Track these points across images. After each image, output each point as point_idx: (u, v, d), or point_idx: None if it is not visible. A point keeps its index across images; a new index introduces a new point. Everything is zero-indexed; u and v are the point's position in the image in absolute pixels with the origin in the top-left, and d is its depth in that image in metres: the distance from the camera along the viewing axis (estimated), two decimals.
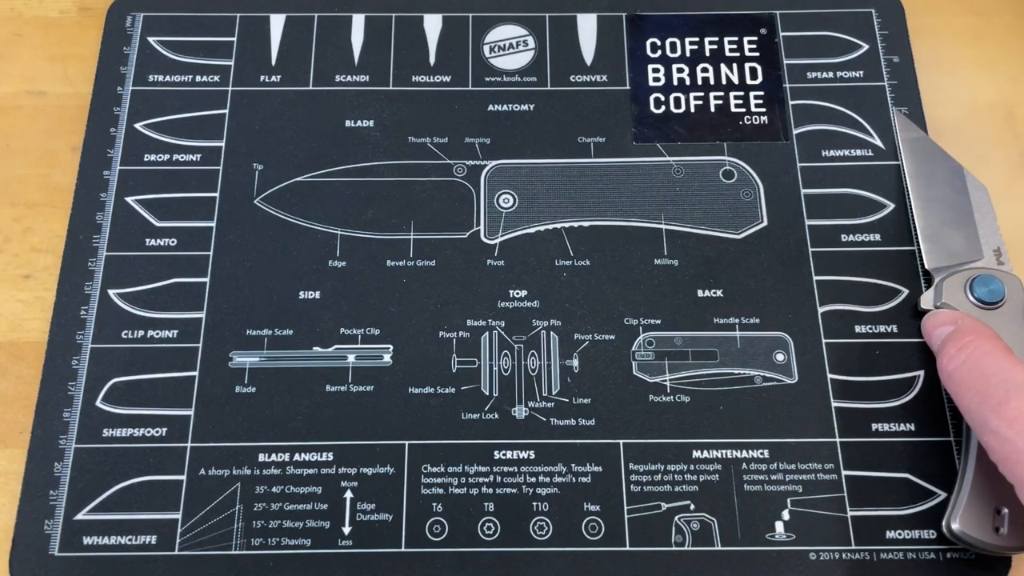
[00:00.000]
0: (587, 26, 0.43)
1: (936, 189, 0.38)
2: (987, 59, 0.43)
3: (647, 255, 0.38)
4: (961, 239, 0.37)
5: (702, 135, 0.40)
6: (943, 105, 0.42)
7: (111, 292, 0.37)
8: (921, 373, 0.36)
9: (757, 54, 0.42)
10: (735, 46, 0.42)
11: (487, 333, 0.37)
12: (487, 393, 0.36)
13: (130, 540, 0.33)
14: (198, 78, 0.41)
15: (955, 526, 0.32)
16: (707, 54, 0.42)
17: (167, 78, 0.41)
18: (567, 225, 0.39)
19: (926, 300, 0.36)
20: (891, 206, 0.39)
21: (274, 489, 0.34)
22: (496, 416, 0.35)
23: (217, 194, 0.39)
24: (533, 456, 0.35)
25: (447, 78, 0.42)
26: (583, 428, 0.35)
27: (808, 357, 0.36)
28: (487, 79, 0.42)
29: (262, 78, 0.41)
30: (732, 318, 0.37)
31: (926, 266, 0.37)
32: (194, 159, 0.40)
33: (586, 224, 0.39)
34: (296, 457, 0.35)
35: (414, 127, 0.40)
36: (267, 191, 0.39)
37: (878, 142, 0.40)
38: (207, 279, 0.37)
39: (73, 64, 0.42)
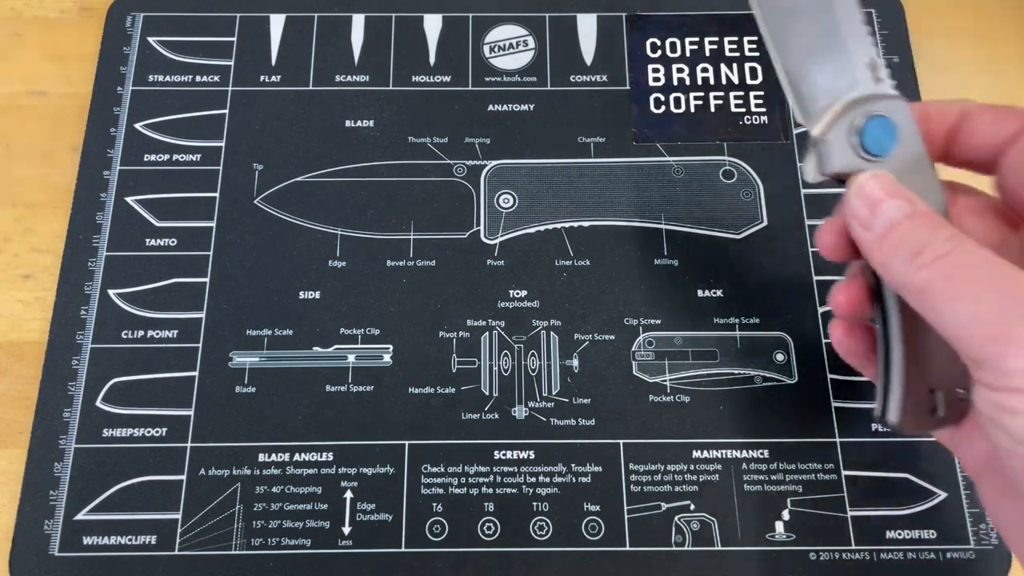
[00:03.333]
0: (587, 26, 0.43)
1: (793, 21, 0.29)
2: (987, 59, 0.43)
3: (647, 255, 0.38)
4: (830, 70, 0.29)
5: (702, 135, 0.40)
6: None
7: (111, 292, 0.37)
8: None
9: (757, 54, 0.42)
10: (735, 46, 0.42)
11: (487, 333, 0.37)
12: (487, 393, 0.36)
13: (130, 540, 0.33)
14: (198, 78, 0.41)
15: (893, 418, 0.29)
16: (707, 54, 0.42)
17: (167, 78, 0.41)
18: (567, 225, 0.39)
19: (810, 170, 0.28)
20: None
21: (274, 489, 0.34)
22: (496, 416, 0.35)
23: (217, 194, 0.39)
24: (533, 456, 0.35)
25: (447, 78, 0.41)
26: (583, 428, 0.35)
27: (808, 357, 0.36)
28: (487, 79, 0.42)
29: (262, 78, 0.41)
30: (732, 318, 0.37)
31: (800, 121, 0.29)
32: (194, 159, 0.40)
33: (586, 224, 0.39)
34: (296, 457, 0.35)
35: (414, 127, 0.40)
36: (267, 191, 0.39)
37: None
38: (207, 279, 0.37)
39: (73, 64, 0.42)
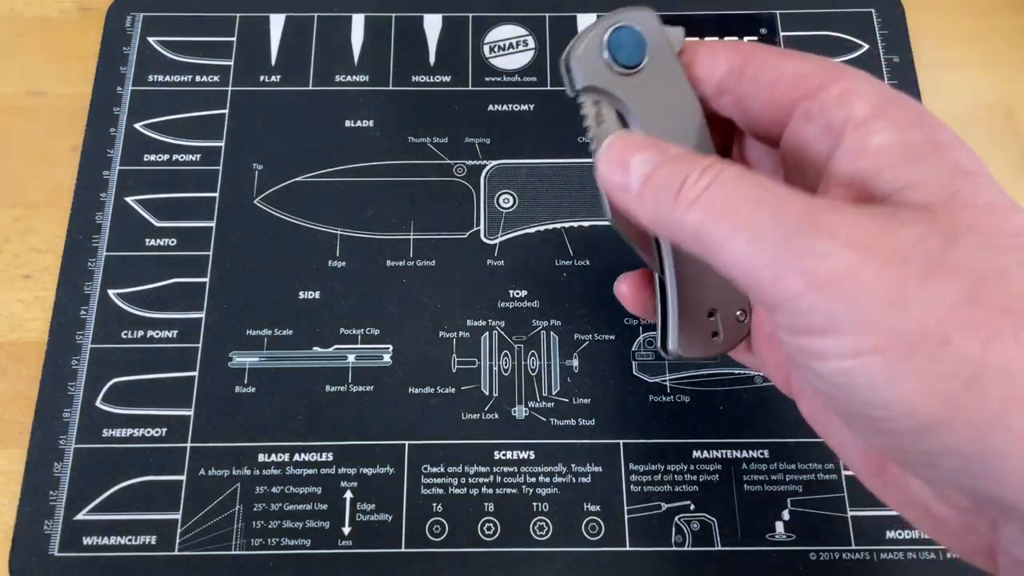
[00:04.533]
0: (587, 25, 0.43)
1: None
2: (987, 59, 0.43)
3: None
4: None
5: None
6: (943, 105, 0.42)
7: (111, 292, 0.37)
8: None
9: None
10: None
11: (487, 333, 0.37)
12: (487, 393, 0.36)
13: (130, 540, 0.33)
14: (198, 78, 0.41)
15: (672, 347, 0.27)
16: None
17: (167, 78, 0.41)
18: (567, 225, 0.39)
19: (568, 88, 0.26)
20: None
21: (274, 489, 0.34)
22: (496, 416, 0.35)
23: (217, 194, 0.39)
24: (533, 456, 0.35)
25: (447, 78, 0.41)
26: (583, 428, 0.35)
27: None
28: (487, 79, 0.42)
29: (262, 78, 0.41)
30: None
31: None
32: (194, 159, 0.40)
33: (586, 224, 0.39)
34: (296, 457, 0.35)
35: (414, 127, 0.40)
36: (267, 191, 0.39)
37: None
38: (207, 279, 0.37)
39: (73, 64, 0.42)
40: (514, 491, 0.34)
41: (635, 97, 0.26)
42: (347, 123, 0.40)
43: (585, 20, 0.43)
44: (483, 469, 0.35)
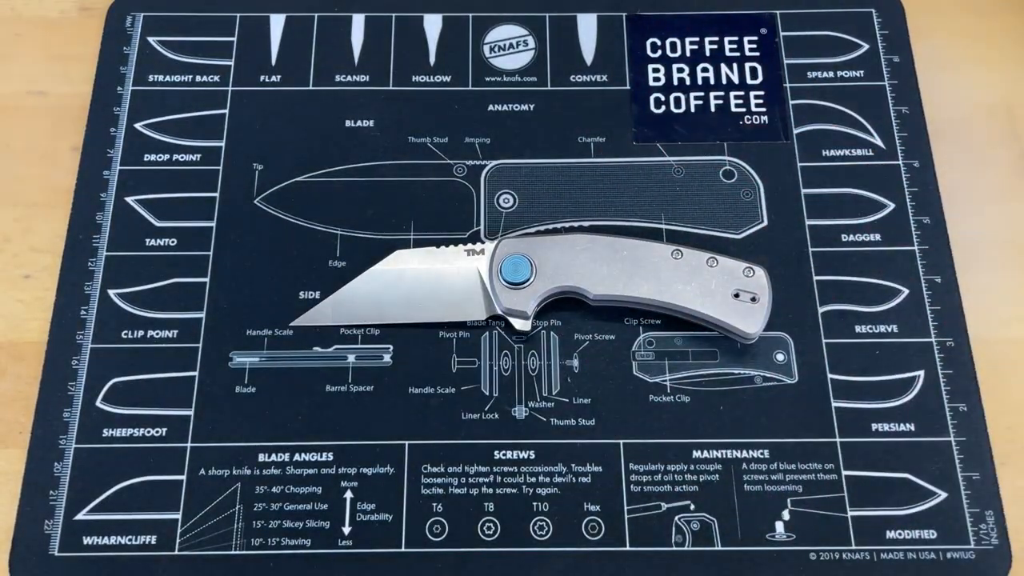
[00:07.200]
0: (587, 26, 0.43)
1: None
2: (987, 59, 0.43)
3: None
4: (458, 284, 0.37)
5: (702, 135, 0.40)
6: (943, 105, 0.42)
7: (111, 292, 0.37)
8: (921, 373, 0.36)
9: (757, 54, 0.42)
10: (735, 46, 0.42)
11: (487, 333, 0.37)
12: (487, 393, 0.36)
13: (130, 540, 0.33)
14: (198, 78, 0.41)
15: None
16: (707, 54, 0.42)
17: (167, 78, 0.41)
18: (567, 225, 0.39)
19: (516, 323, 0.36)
20: (891, 206, 0.39)
21: (274, 489, 0.34)
22: (496, 416, 0.35)
23: (217, 194, 0.39)
24: (533, 456, 0.35)
25: (447, 78, 0.41)
26: (583, 428, 0.35)
27: (808, 357, 0.36)
28: (487, 79, 0.41)
29: (262, 78, 0.41)
30: None
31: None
32: (194, 159, 0.40)
33: (586, 224, 0.39)
34: (296, 457, 0.35)
35: (414, 127, 0.40)
36: (267, 191, 0.39)
37: (878, 142, 0.40)
38: (207, 279, 0.37)
39: (73, 64, 0.42)
40: (514, 491, 0.34)
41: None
42: (347, 123, 0.40)
43: (585, 20, 0.43)
44: (483, 469, 0.35)
